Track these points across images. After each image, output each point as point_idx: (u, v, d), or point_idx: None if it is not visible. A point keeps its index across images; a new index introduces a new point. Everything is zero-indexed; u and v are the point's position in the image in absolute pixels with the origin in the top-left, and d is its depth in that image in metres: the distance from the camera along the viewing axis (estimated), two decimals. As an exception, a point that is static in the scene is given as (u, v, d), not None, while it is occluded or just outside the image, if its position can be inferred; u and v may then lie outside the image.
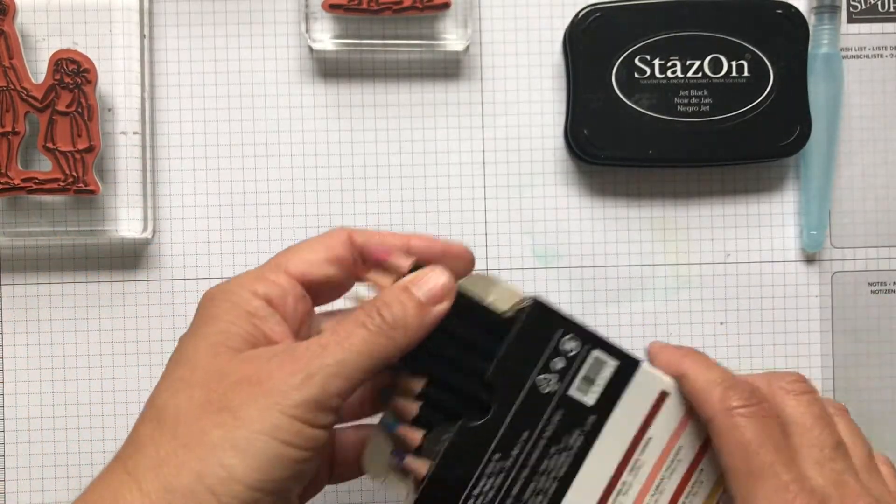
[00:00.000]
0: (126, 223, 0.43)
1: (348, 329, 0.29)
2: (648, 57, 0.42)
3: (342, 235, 0.32)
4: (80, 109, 0.40)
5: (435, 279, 0.31)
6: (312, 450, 0.27)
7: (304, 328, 0.31)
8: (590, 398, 0.31)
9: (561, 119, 0.44)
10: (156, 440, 0.27)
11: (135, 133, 0.42)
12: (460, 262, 0.33)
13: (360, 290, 0.33)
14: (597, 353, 0.31)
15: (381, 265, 0.32)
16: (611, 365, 0.31)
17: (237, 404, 0.27)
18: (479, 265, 0.44)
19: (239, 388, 0.27)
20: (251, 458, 0.26)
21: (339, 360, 0.28)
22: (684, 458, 0.31)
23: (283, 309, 0.30)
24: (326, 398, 0.27)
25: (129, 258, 0.43)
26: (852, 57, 0.44)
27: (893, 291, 0.44)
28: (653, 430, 0.31)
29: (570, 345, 0.31)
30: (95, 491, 0.27)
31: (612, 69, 0.42)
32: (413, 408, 0.30)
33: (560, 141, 0.44)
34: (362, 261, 0.32)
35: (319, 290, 0.32)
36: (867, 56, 0.45)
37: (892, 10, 0.45)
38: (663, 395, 0.31)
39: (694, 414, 0.32)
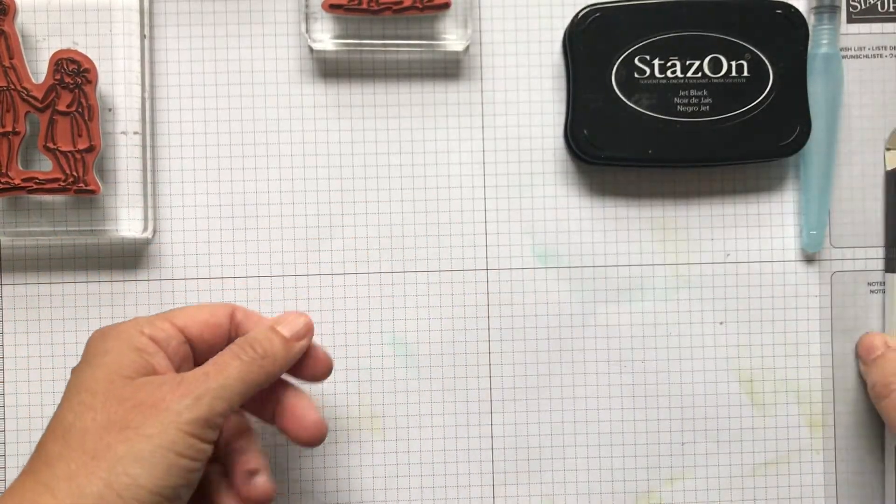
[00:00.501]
0: (126, 223, 0.43)
1: (226, 360, 0.35)
2: (648, 57, 0.42)
3: (228, 308, 0.39)
4: (80, 109, 0.40)
5: (296, 320, 0.39)
6: (201, 461, 0.33)
7: (184, 368, 0.37)
8: None
9: (561, 119, 0.44)
10: (65, 456, 0.32)
11: (135, 133, 0.42)
12: (318, 366, 0.39)
13: None
14: None
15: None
16: None
17: (137, 423, 0.32)
18: (479, 265, 0.44)
19: (137, 410, 0.33)
20: (152, 468, 0.31)
21: (221, 385, 0.34)
22: None
23: (167, 349, 0.36)
24: (212, 417, 0.33)
25: (129, 258, 0.43)
26: (852, 57, 0.45)
27: (893, 291, 0.45)
28: None
29: None
30: (11, 501, 0.31)
31: (612, 69, 0.42)
32: None
33: (560, 141, 0.44)
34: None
35: (196, 344, 0.38)
36: (867, 56, 0.45)
37: (891, 10, 0.45)
38: None
39: None
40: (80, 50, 0.41)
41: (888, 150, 0.43)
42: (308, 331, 0.39)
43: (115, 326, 0.37)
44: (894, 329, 0.43)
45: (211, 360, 0.35)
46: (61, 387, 0.41)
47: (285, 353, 0.38)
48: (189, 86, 0.43)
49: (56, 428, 0.33)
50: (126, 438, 0.32)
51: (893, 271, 0.43)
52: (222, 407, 0.34)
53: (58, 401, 0.38)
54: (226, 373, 0.35)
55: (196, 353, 0.38)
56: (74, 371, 0.36)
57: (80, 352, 0.42)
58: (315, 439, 0.38)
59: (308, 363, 0.39)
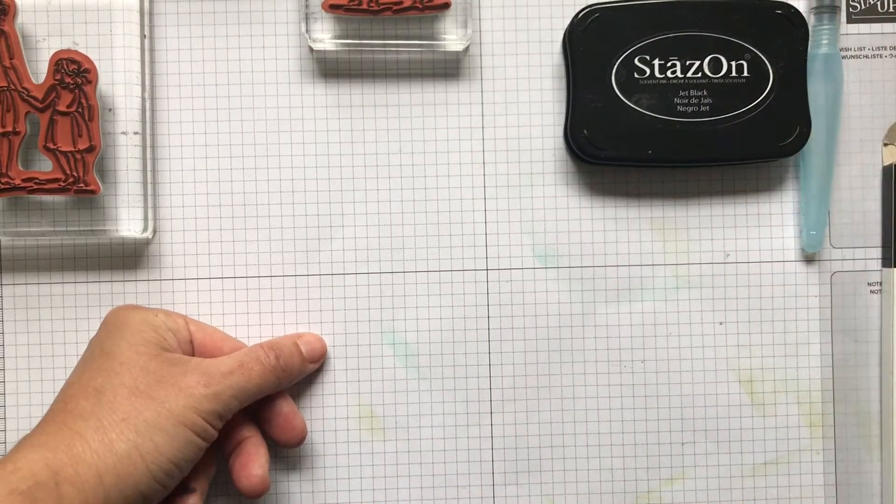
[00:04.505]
0: (126, 223, 0.43)
1: (251, 364, 0.38)
2: (648, 57, 0.42)
3: (239, 347, 0.41)
4: (80, 109, 0.40)
5: (316, 343, 0.42)
6: (208, 442, 0.37)
7: (189, 355, 0.40)
8: None
9: (561, 119, 0.44)
10: (97, 413, 0.35)
11: (135, 133, 0.42)
12: (294, 433, 0.41)
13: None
14: None
15: None
16: None
17: (162, 398, 0.36)
18: (479, 265, 0.44)
19: (160, 385, 0.36)
20: (172, 440, 0.35)
21: (242, 387, 0.38)
22: None
23: (176, 334, 0.39)
24: (226, 411, 0.37)
25: (129, 258, 0.43)
26: (852, 57, 0.45)
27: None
28: None
29: None
30: (43, 438, 0.35)
31: (612, 69, 0.42)
32: None
33: (560, 141, 0.44)
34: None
35: (196, 351, 0.41)
36: (867, 56, 0.45)
37: (891, 10, 0.45)
38: None
39: None
40: (80, 50, 0.41)
41: (885, 145, 0.43)
42: (322, 356, 0.43)
43: (133, 305, 0.41)
44: (893, 327, 0.43)
45: (236, 358, 0.38)
46: (61, 386, 0.41)
47: (300, 370, 0.41)
48: (189, 86, 0.43)
49: (87, 387, 0.36)
50: (152, 408, 0.35)
51: (892, 266, 0.43)
52: (236, 405, 0.38)
53: (58, 401, 0.38)
54: (247, 376, 0.38)
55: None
56: (96, 340, 0.39)
57: (81, 352, 0.42)
58: (298, 442, 0.41)
59: (286, 427, 0.41)
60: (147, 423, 0.35)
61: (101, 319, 0.43)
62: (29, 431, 0.43)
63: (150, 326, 0.38)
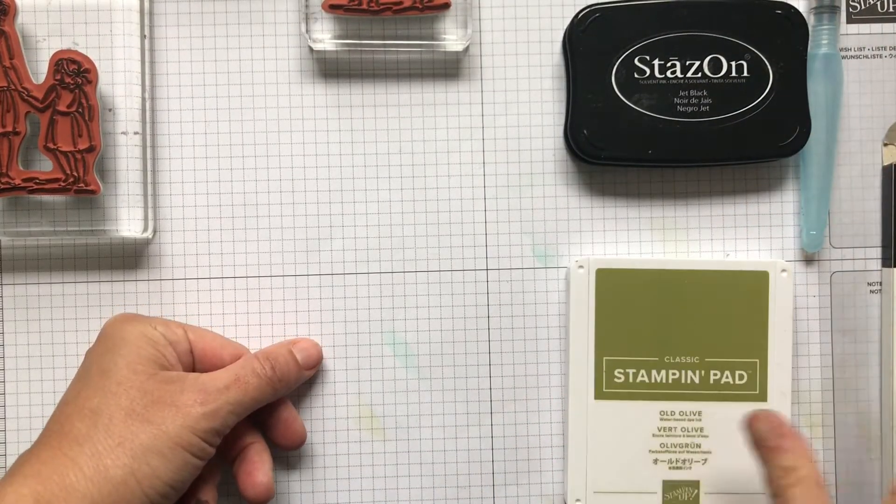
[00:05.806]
0: (126, 223, 0.43)
1: (247, 377, 0.38)
2: (648, 57, 0.42)
3: (241, 352, 0.41)
4: (80, 109, 0.40)
5: (312, 349, 0.42)
6: (205, 460, 0.37)
7: (189, 366, 0.40)
8: None
9: (561, 119, 0.44)
10: (92, 437, 0.35)
11: (135, 133, 0.42)
12: (294, 437, 0.42)
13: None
14: None
15: None
16: None
17: (159, 420, 0.35)
18: (479, 265, 0.44)
19: (157, 406, 0.36)
20: (169, 462, 0.35)
21: (238, 401, 0.37)
22: None
23: (175, 346, 0.39)
24: (223, 427, 0.37)
25: (129, 258, 0.43)
26: (852, 57, 0.45)
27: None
28: None
29: None
30: (36, 466, 0.34)
31: (612, 69, 0.42)
32: None
33: (560, 141, 0.44)
34: None
35: (197, 360, 0.40)
36: (867, 56, 0.45)
37: (891, 10, 0.45)
38: None
39: None
40: (80, 50, 0.41)
41: (885, 145, 0.43)
42: (318, 362, 0.42)
43: (131, 316, 0.40)
44: (893, 326, 0.43)
45: (232, 371, 0.38)
46: (62, 387, 0.41)
47: (296, 379, 0.41)
48: (189, 86, 0.43)
49: (83, 408, 0.36)
50: (148, 431, 0.35)
51: (891, 266, 0.43)
52: (233, 420, 0.37)
53: (58, 400, 0.38)
54: (244, 389, 0.38)
55: (195, 369, 0.40)
56: (93, 355, 0.38)
57: (81, 352, 0.42)
58: (298, 446, 0.42)
59: (286, 433, 0.41)
60: (143, 446, 0.35)
61: (101, 320, 0.43)
62: (29, 431, 0.43)
63: (149, 342, 0.38)
